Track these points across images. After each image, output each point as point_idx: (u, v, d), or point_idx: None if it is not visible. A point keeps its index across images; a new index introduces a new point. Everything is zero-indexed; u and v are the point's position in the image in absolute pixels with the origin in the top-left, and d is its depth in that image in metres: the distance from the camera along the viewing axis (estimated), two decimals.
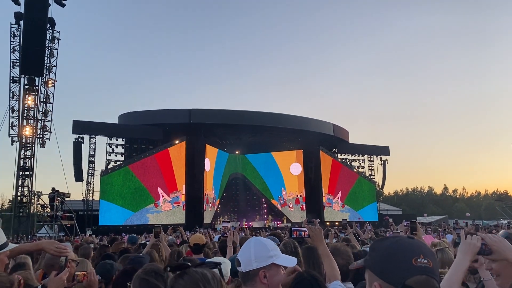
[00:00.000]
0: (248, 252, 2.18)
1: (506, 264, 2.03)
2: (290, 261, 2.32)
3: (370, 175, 44.54)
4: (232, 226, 7.08)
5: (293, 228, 3.54)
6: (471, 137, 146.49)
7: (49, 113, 28.36)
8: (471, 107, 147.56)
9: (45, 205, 27.98)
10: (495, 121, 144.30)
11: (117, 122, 36.22)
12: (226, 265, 3.21)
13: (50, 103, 28.24)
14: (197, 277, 1.16)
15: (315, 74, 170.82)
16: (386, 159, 45.09)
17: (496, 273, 2.12)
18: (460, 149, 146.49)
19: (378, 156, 45.03)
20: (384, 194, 63.97)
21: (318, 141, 39.53)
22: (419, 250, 1.19)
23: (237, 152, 41.58)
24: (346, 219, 8.54)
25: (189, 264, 1.21)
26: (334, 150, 43.12)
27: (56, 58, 27.79)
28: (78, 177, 31.67)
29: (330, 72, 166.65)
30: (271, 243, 2.30)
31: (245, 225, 32.16)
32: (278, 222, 37.10)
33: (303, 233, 3.34)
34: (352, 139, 44.71)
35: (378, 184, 45.01)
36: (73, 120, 31.74)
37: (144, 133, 34.63)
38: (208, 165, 36.16)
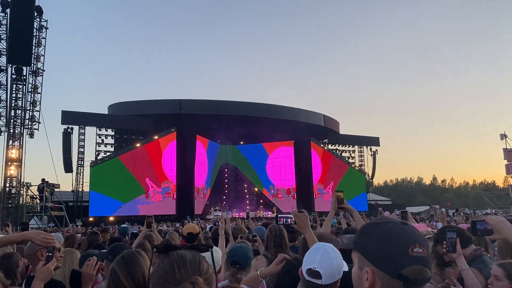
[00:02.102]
0: (331, 265, 2.12)
1: None
2: (346, 266, 2.33)
3: (360, 165, 44.84)
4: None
5: (279, 216, 3.58)
6: (460, 128, 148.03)
7: (38, 103, 27.93)
8: (461, 98, 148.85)
9: (34, 196, 27.77)
10: (484, 112, 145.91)
11: (106, 113, 35.92)
12: (218, 253, 3.22)
13: (39, 93, 27.80)
14: (174, 259, 1.14)
15: (306, 65, 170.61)
16: (376, 150, 45.48)
17: None
18: (449, 140, 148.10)
19: (368, 147, 45.34)
20: (374, 185, 64.44)
21: (309, 132, 39.61)
22: (415, 238, 1.16)
23: (228, 142, 41.56)
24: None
25: (177, 246, 1.19)
26: (324, 140, 43.28)
27: (44, 48, 27.33)
28: (68, 168, 31.44)
29: (322, 63, 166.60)
30: (337, 253, 2.27)
31: (236, 215, 32.24)
32: (269, 213, 37.26)
33: (289, 220, 3.38)
34: (343, 130, 44.98)
35: (368, 175, 45.35)
36: (62, 111, 31.46)
37: (134, 124, 34.40)
38: (200, 155, 36.14)
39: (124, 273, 2.01)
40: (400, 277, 1.12)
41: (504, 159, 33.05)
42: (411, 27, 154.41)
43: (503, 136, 32.91)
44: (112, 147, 34.26)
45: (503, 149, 32.99)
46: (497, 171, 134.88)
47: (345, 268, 2.29)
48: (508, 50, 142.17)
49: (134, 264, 2.07)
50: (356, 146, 45.52)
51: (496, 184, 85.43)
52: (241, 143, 42.03)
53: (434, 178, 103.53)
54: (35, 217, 26.14)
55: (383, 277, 1.15)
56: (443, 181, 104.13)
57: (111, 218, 29.20)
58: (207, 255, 1.24)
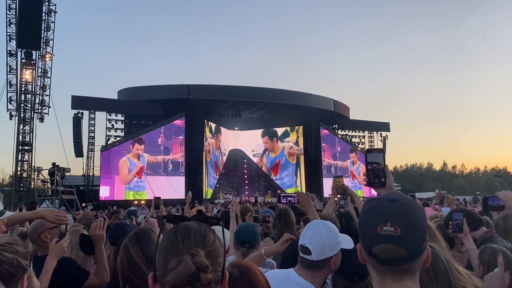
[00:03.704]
0: (321, 241, 2.13)
1: None
2: (349, 243, 2.30)
3: None
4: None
5: (282, 195, 3.59)
6: (471, 113, 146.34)
7: (47, 87, 28.13)
8: (470, 83, 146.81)
9: (45, 180, 28.12)
10: (496, 97, 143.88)
11: (116, 98, 36.06)
12: (226, 233, 3.19)
13: (48, 77, 27.96)
14: (180, 230, 1.11)
15: (316, 50, 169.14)
16: (386, 135, 45.13)
17: None
18: (460, 126, 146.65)
19: (378, 132, 45.04)
20: None
21: (319, 117, 39.43)
22: (386, 216, 1.12)
23: (236, 128, 41.59)
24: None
25: (187, 217, 1.15)
26: (334, 126, 43.06)
27: (53, 31, 27.35)
28: (78, 153, 31.71)
29: (331, 48, 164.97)
30: (335, 227, 2.29)
31: (245, 199, 32.40)
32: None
33: (292, 199, 3.38)
34: (353, 115, 44.66)
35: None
36: (72, 95, 31.57)
37: (143, 109, 34.48)
38: (208, 141, 36.31)
39: (136, 249, 2.00)
40: (371, 254, 1.13)
41: None
42: (420, 11, 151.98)
43: None
44: (122, 132, 34.49)
45: None
46: (509, 157, 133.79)
47: (348, 246, 2.24)
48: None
49: (146, 240, 2.06)
50: (366, 132, 45.26)
51: (508, 170, 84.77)
52: (250, 128, 42.03)
53: (445, 164, 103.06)
54: (46, 201, 26.46)
55: (364, 253, 1.18)
56: (454, 167, 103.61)
57: (121, 202, 29.48)
58: (217, 229, 1.19)
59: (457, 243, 3.68)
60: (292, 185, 40.53)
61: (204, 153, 35.44)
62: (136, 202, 28.27)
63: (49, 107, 28.53)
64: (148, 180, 32.12)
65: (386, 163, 1.82)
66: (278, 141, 41.96)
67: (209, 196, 35.83)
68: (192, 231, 1.10)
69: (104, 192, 30.53)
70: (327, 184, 37.25)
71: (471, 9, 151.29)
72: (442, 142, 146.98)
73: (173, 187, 32.50)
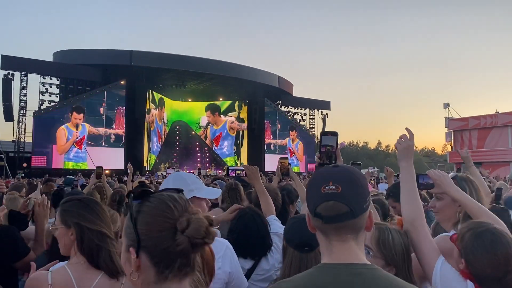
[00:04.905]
0: (166, 187, 2.15)
1: (446, 203, 2.23)
2: (213, 193, 2.33)
3: (311, 128, 45.76)
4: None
5: (230, 168, 3.65)
6: (404, 94, 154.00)
7: None
8: (406, 65, 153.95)
9: None
10: (428, 79, 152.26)
11: (51, 60, 33.80)
12: None
13: None
14: (164, 197, 1.14)
15: (264, 25, 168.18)
16: (327, 114, 46.40)
17: (437, 210, 2.31)
18: (394, 106, 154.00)
19: (319, 110, 46.15)
20: None
21: (263, 92, 39.60)
22: (329, 177, 1.21)
23: (180, 99, 40.77)
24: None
25: (152, 190, 1.18)
26: (278, 102, 43.50)
27: None
28: (8, 117, 29.63)
29: (279, 24, 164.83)
30: (191, 176, 2.30)
31: (187, 171, 32.18)
32: (220, 171, 37.52)
33: (240, 172, 3.44)
34: (296, 93, 45.30)
35: (317, 137, 46.40)
36: (1, 55, 29.15)
37: (81, 74, 32.58)
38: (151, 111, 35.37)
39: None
40: (316, 214, 1.21)
41: (445, 127, 34.92)
42: None
43: (446, 105, 34.61)
44: (57, 97, 32.56)
45: (445, 117, 34.78)
46: (438, 139, 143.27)
47: (208, 196, 2.27)
48: (454, 19, 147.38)
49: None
50: (308, 109, 46.22)
51: (436, 151, 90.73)
52: (195, 100, 41.43)
53: (379, 143, 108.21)
54: None
55: (311, 218, 1.25)
56: (387, 146, 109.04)
57: (55, 170, 28.15)
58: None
59: (393, 213, 3.96)
60: (230, 155, 41.93)
61: (147, 123, 34.62)
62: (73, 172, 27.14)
63: None
64: (88, 151, 30.91)
65: (338, 146, 1.94)
66: (221, 115, 42.33)
67: (152, 162, 35.24)
68: (176, 197, 1.15)
69: (38, 161, 28.98)
70: (269, 160, 38.05)
71: None
72: (378, 123, 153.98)
73: (113, 158, 31.52)
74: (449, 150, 36.64)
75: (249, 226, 2.72)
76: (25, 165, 27.90)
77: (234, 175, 3.68)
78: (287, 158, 4.21)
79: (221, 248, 2.24)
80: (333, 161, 1.93)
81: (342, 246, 1.20)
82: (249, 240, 2.67)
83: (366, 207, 1.22)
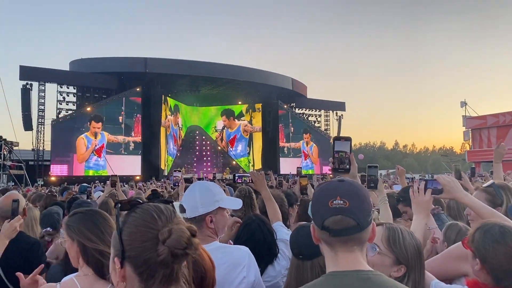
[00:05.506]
0: (193, 198, 2.15)
1: None
2: (236, 203, 2.34)
3: (326, 129, 45.52)
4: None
5: (236, 175, 3.65)
6: (422, 95, 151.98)
7: None
8: (422, 63, 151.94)
9: None
10: (446, 80, 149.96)
11: (68, 69, 34.45)
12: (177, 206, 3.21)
13: None
14: (149, 209, 1.16)
15: (276, 28, 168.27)
16: (342, 115, 46.11)
17: (472, 218, 2.28)
18: (411, 105, 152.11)
19: (334, 112, 45.90)
20: None
21: (277, 95, 39.59)
22: (336, 192, 1.26)
23: (195, 104, 41.07)
24: (300, 167, 8.75)
25: (140, 201, 1.20)
26: (292, 104, 43.43)
27: None
28: (27, 126, 30.28)
29: (290, 26, 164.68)
30: (216, 187, 2.29)
31: (204, 176, 32.36)
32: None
33: (247, 179, 3.44)
34: (310, 94, 45.17)
35: (332, 140, 46.00)
36: (20, 66, 29.85)
37: (97, 82, 33.12)
38: (167, 117, 35.72)
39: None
40: (323, 227, 1.25)
41: (463, 126, 34.37)
42: None
43: (463, 104, 34.07)
44: (74, 105, 33.15)
45: (462, 116, 34.23)
46: (456, 138, 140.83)
47: (233, 206, 2.31)
48: (474, 21, 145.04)
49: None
50: (322, 111, 46.00)
51: (454, 150, 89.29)
52: (209, 105, 41.70)
53: (396, 143, 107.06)
54: None
55: (317, 231, 1.30)
56: (405, 146, 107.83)
57: (74, 178, 28.58)
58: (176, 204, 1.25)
59: (404, 218, 3.88)
60: (244, 155, 42.45)
61: (164, 128, 35.02)
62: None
63: None
64: (107, 159, 31.37)
65: (352, 151, 1.97)
66: (235, 120, 42.67)
67: (170, 163, 35.70)
68: (162, 208, 1.17)
69: (58, 170, 29.49)
70: (283, 163, 38.04)
71: None
72: (395, 123, 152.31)
73: (132, 166, 31.98)
74: (468, 149, 36.00)
75: (255, 234, 2.73)
76: (51, 173, 28.29)
77: (240, 182, 3.69)
78: (306, 177, 4.19)
79: (244, 256, 2.17)
80: (347, 166, 1.97)
81: (348, 255, 1.27)
82: (256, 248, 2.67)
83: (370, 220, 1.28)
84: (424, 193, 2.06)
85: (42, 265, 2.04)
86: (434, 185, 2.08)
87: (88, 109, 31.49)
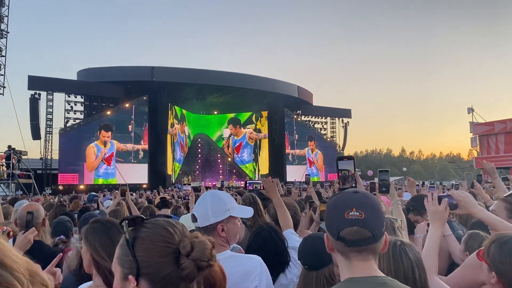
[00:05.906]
0: (204, 207, 2.15)
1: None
2: (247, 212, 2.35)
3: (332, 137, 45.44)
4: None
5: (248, 182, 3.65)
6: (429, 101, 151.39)
7: (2, 66, 26.79)
8: (429, 69, 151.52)
9: (1, 163, 27.00)
10: (453, 87, 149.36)
11: (75, 79, 34.78)
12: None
13: (3, 56, 26.62)
14: (161, 222, 1.14)
15: (281, 36, 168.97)
16: (348, 122, 46.03)
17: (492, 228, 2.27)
18: (418, 113, 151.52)
19: (340, 119, 45.84)
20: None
21: (283, 103, 39.65)
22: (352, 203, 1.29)
23: (201, 112, 41.23)
24: (309, 175, 8.77)
25: (144, 217, 1.17)
26: (298, 112, 43.46)
27: (8, 8, 26.00)
28: (36, 135, 30.52)
29: (296, 34, 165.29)
30: (227, 195, 2.29)
31: (210, 184, 32.37)
32: (242, 182, 37.62)
33: (258, 185, 3.44)
34: (316, 102, 45.17)
35: (339, 146, 46.04)
36: (29, 75, 30.21)
37: (104, 91, 33.45)
38: (173, 125, 35.89)
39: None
40: (339, 238, 1.29)
41: (470, 132, 34.16)
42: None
43: (470, 110, 33.91)
44: (81, 114, 33.40)
45: (470, 122, 34.04)
46: (463, 144, 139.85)
47: (245, 215, 2.30)
48: (481, 28, 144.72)
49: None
50: (328, 118, 45.95)
51: (461, 157, 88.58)
52: (215, 113, 41.83)
53: (403, 150, 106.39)
54: (1, 185, 25.47)
55: (332, 241, 1.33)
56: (411, 153, 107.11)
57: (82, 187, 28.74)
58: (186, 217, 1.26)
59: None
60: (250, 161, 42.80)
61: (170, 136, 35.18)
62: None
63: (4, 87, 27.26)
64: (117, 167, 31.50)
65: (356, 169, 2.01)
66: (241, 128, 42.91)
67: (177, 170, 35.79)
68: (173, 222, 1.15)
69: (67, 179, 29.63)
70: (289, 170, 38.00)
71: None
72: (401, 129, 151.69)
73: (138, 174, 32.10)
74: (475, 155, 35.77)
75: (266, 242, 2.73)
76: (61, 185, 28.42)
77: (252, 188, 3.68)
78: (325, 203, 4.24)
79: (256, 265, 2.16)
80: (353, 185, 2.00)
81: (364, 264, 1.30)
82: (267, 257, 2.68)
83: (384, 231, 1.32)
84: (439, 203, 2.08)
85: (61, 254, 2.05)
86: (450, 201, 2.08)
87: (95, 118, 31.68)
